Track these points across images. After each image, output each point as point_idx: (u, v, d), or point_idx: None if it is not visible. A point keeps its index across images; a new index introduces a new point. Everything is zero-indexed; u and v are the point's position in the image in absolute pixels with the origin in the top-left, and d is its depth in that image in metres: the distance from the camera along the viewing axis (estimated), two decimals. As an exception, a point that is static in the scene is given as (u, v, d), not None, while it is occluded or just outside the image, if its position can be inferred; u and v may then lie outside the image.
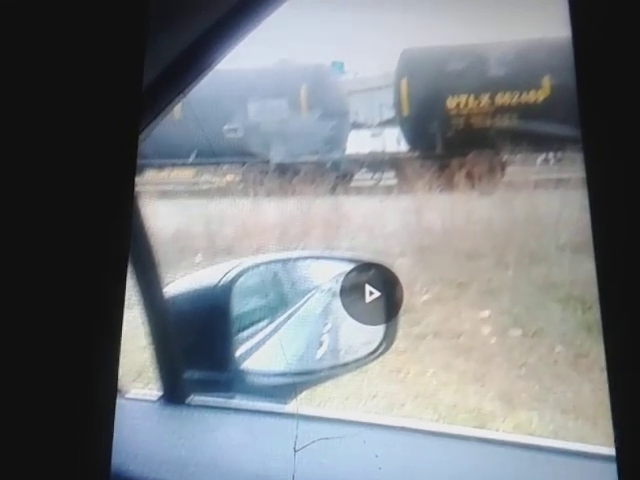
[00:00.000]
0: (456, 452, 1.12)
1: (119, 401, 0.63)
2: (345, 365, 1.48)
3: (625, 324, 0.50)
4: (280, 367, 1.41)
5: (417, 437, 1.17)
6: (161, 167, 7.20)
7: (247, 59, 7.07)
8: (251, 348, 1.40)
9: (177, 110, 1.13)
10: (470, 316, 3.60)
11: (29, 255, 0.56)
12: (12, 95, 0.56)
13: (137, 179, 0.62)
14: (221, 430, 1.24)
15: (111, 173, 0.59)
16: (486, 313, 3.62)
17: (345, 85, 9.31)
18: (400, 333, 1.44)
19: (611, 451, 0.51)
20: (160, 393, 1.29)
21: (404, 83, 8.31)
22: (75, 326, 0.57)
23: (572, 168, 5.50)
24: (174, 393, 1.29)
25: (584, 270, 3.39)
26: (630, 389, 0.50)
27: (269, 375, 1.41)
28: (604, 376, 0.50)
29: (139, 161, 0.61)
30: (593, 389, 2.60)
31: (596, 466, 0.98)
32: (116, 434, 0.60)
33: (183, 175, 7.83)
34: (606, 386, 0.50)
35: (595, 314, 0.51)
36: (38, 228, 0.56)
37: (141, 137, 1.03)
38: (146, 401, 1.31)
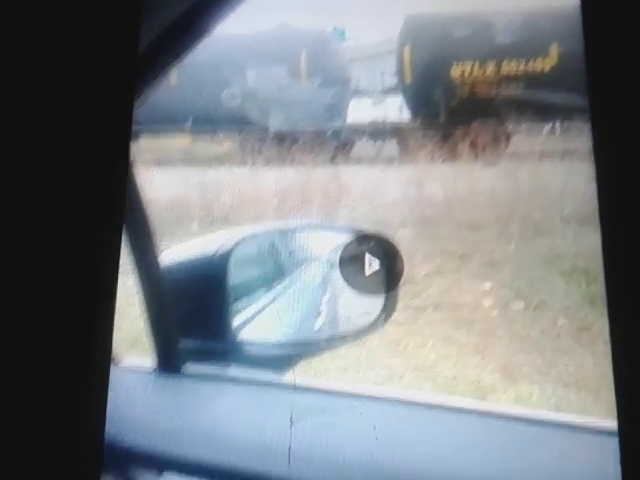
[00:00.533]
0: (455, 425, 1.12)
1: (113, 370, 0.63)
2: (343, 336, 1.48)
3: (629, 297, 0.49)
4: (277, 338, 1.42)
5: (415, 409, 1.18)
6: (157, 134, 7.16)
7: (246, 24, 6.99)
8: (248, 318, 1.41)
9: (173, 76, 1.12)
10: (471, 288, 3.61)
11: (22, 224, 0.56)
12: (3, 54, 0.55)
13: (132, 146, 0.61)
14: (216, 400, 1.25)
15: (106, 140, 0.58)
16: (488, 285, 3.63)
17: (346, 52, 9.23)
18: (400, 305, 1.45)
19: (613, 425, 0.51)
20: (155, 362, 1.30)
21: (407, 50, 8.23)
22: (69, 294, 0.57)
23: (579, 138, 5.48)
24: (169, 362, 1.29)
25: (589, 242, 3.40)
26: (633, 362, 0.50)
27: (266, 345, 1.41)
28: (607, 349, 0.50)
29: (134, 128, 0.60)
30: (595, 362, 2.62)
31: (598, 440, 0.99)
32: (110, 403, 0.60)
33: (179, 142, 7.80)
34: (609, 359, 0.50)
35: (599, 287, 0.50)
36: (30, 195, 0.56)
37: (136, 103, 1.02)
38: (140, 370, 1.32)
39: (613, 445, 0.50)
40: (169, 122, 6.54)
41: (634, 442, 0.50)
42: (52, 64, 0.56)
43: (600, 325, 2.84)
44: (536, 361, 2.84)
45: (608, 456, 0.53)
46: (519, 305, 3.39)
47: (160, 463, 1.10)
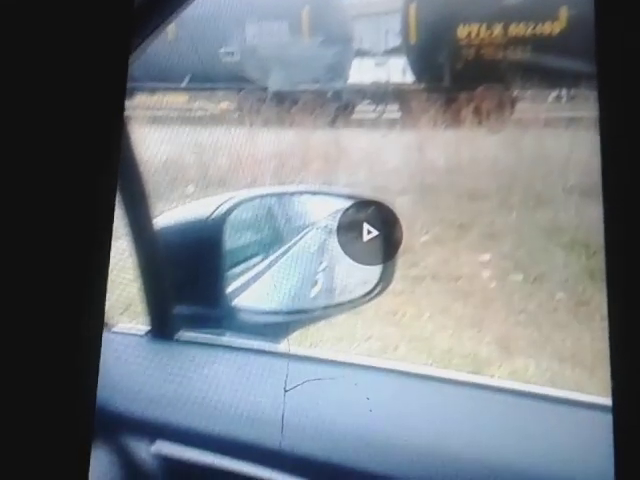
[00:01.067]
0: (449, 397, 1.14)
1: (105, 335, 0.64)
2: (339, 305, 1.49)
3: (629, 272, 0.50)
4: (273, 305, 1.43)
5: (410, 381, 1.19)
6: (152, 91, 7.08)
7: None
8: (243, 284, 1.41)
9: (170, 30, 1.11)
10: (470, 259, 3.61)
11: (15, 185, 0.56)
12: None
13: (127, 103, 0.60)
14: (210, 367, 1.26)
15: (100, 96, 0.58)
16: (486, 257, 3.63)
17: (350, 9, 9.08)
18: (397, 274, 1.45)
19: (607, 401, 0.52)
20: (148, 327, 1.31)
21: (413, 8, 8.10)
22: (61, 257, 0.57)
23: (585, 107, 5.43)
24: (162, 328, 1.30)
25: (591, 215, 3.39)
26: (630, 340, 0.50)
27: (261, 313, 1.42)
28: (604, 325, 0.50)
29: (129, 84, 0.60)
30: (592, 338, 2.64)
31: (592, 415, 1.01)
32: (102, 368, 0.61)
33: (176, 100, 7.71)
34: (606, 335, 0.50)
35: (599, 261, 0.51)
36: (24, 153, 0.56)
37: (132, 58, 1.00)
38: (133, 335, 1.33)
39: (607, 421, 0.51)
40: (165, 79, 6.47)
41: (628, 418, 0.51)
42: (46, 16, 0.55)
43: (598, 300, 2.85)
44: (533, 335, 2.86)
45: (602, 432, 0.54)
46: (518, 277, 3.40)
47: (152, 430, 1.12)
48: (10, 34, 0.55)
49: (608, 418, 0.51)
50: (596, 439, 0.63)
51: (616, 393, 0.51)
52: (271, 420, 1.05)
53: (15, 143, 0.56)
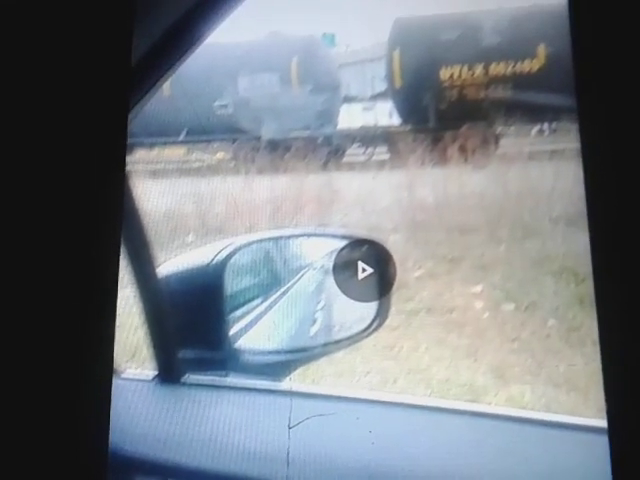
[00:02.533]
0: (449, 426, 1.14)
1: (115, 381, 0.64)
2: (338, 342, 1.49)
3: (618, 296, 0.50)
4: (274, 345, 1.43)
5: (410, 412, 1.19)
6: (151, 146, 7.13)
7: (236, 33, 6.99)
8: (245, 326, 1.42)
9: (166, 87, 1.13)
10: (463, 291, 3.61)
11: (22, 237, 0.56)
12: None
13: (128, 158, 0.61)
14: (216, 408, 1.25)
15: (101, 153, 0.59)
16: (479, 288, 3.63)
17: (336, 57, 9.19)
18: (393, 309, 1.45)
19: (603, 423, 0.52)
20: (155, 372, 1.31)
21: (396, 54, 8.20)
22: (70, 307, 0.58)
23: (566, 139, 5.48)
24: (169, 372, 1.30)
25: (577, 243, 3.40)
26: (622, 362, 0.50)
27: (263, 353, 1.42)
28: (596, 349, 0.50)
29: (129, 140, 0.61)
30: (585, 362, 2.63)
31: (588, 438, 1.00)
32: (112, 413, 0.61)
33: (174, 153, 7.76)
34: (598, 359, 0.50)
35: (588, 287, 0.51)
36: (29, 210, 0.56)
37: (131, 115, 1.02)
38: (141, 380, 1.32)
39: (603, 443, 0.51)
40: (163, 134, 6.52)
41: (623, 440, 0.51)
42: (47, 77, 0.56)
43: (589, 325, 2.84)
44: (527, 362, 2.85)
45: (598, 454, 0.54)
46: (510, 307, 3.40)
47: (162, 471, 1.11)
48: (16, 95, 0.56)
49: (604, 440, 0.51)
50: (593, 461, 0.63)
51: (611, 415, 0.51)
52: (277, 457, 1.04)
53: (24, 200, 0.56)
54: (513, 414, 1.15)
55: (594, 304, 0.51)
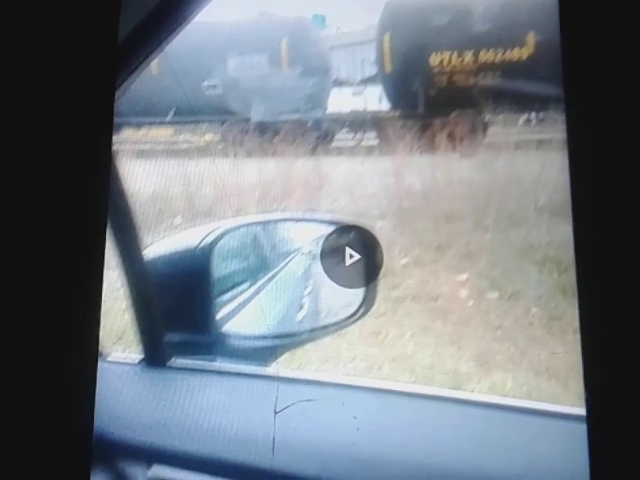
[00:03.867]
0: (432, 413, 1.15)
1: (100, 364, 0.64)
2: (325, 328, 1.50)
3: (599, 287, 0.51)
4: (261, 330, 1.43)
5: (394, 398, 1.20)
6: (139, 125, 7.07)
7: (226, 11, 6.93)
8: (232, 311, 1.42)
9: (154, 65, 1.11)
10: (448, 279, 3.63)
11: (5, 219, 0.56)
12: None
13: (114, 138, 0.61)
14: (202, 392, 1.26)
15: (87, 132, 0.58)
16: (464, 276, 3.66)
17: (327, 40, 9.14)
18: (379, 296, 1.46)
19: (582, 411, 0.52)
20: (141, 356, 1.31)
21: (387, 38, 8.16)
22: (55, 290, 0.57)
23: (554, 129, 5.50)
24: (155, 356, 1.30)
25: (561, 233, 3.43)
26: (602, 351, 0.51)
27: (250, 338, 1.42)
28: (577, 338, 0.51)
29: (116, 119, 0.60)
30: (566, 351, 2.66)
31: (567, 425, 1.02)
32: (98, 397, 0.61)
33: (161, 134, 7.71)
34: (579, 348, 0.51)
35: (570, 277, 0.51)
36: (13, 191, 0.56)
37: (117, 94, 1.01)
38: (127, 364, 1.32)
39: (581, 431, 0.52)
40: (151, 113, 6.47)
41: (601, 428, 0.52)
42: (31, 55, 0.55)
43: (570, 315, 2.87)
44: (509, 350, 2.88)
45: (577, 440, 0.55)
46: (494, 295, 3.42)
47: (148, 455, 1.12)
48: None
49: (583, 428, 0.52)
50: (572, 448, 0.64)
51: (590, 403, 0.52)
52: (262, 441, 1.05)
53: (7, 178, 0.56)
54: (495, 401, 1.16)
55: (576, 294, 0.51)
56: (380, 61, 8.35)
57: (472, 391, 2.63)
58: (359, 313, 1.42)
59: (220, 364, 1.33)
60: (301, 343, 1.52)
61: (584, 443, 0.52)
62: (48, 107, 0.56)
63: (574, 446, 0.57)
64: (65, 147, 0.57)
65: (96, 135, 0.58)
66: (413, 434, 1.09)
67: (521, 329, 3.05)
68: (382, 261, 1.42)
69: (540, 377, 2.62)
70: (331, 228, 1.45)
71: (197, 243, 1.36)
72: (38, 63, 0.56)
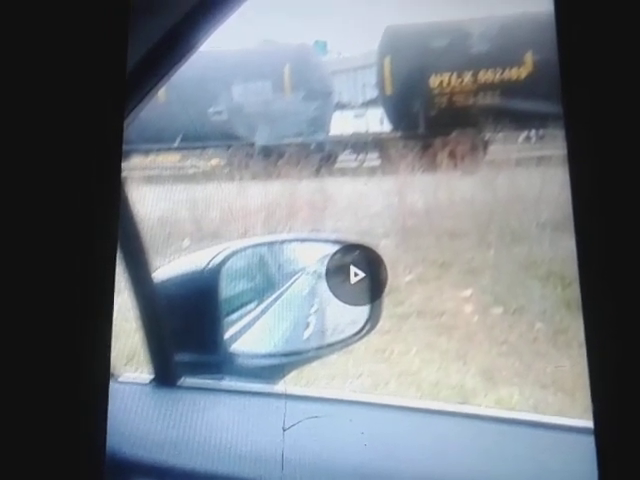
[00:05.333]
0: (439, 428, 1.14)
1: (112, 385, 0.64)
2: (331, 345, 1.49)
3: (603, 300, 0.50)
4: (268, 348, 1.43)
5: (401, 414, 1.19)
6: (147, 152, 7.12)
7: (230, 41, 7.01)
8: (240, 330, 1.42)
9: (162, 94, 1.13)
10: (452, 295, 3.62)
11: (18, 243, 0.56)
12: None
13: (124, 164, 0.61)
14: (212, 411, 1.25)
15: (97, 159, 0.58)
16: (468, 292, 3.65)
17: (328, 65, 9.22)
18: (384, 313, 1.46)
19: (589, 423, 0.52)
20: (151, 376, 1.31)
21: (387, 61, 8.22)
22: (67, 312, 0.57)
23: (553, 145, 5.51)
24: (165, 376, 1.30)
25: (564, 247, 3.42)
26: (607, 364, 0.51)
27: (258, 356, 1.42)
28: (582, 351, 0.51)
29: (125, 147, 0.60)
30: (572, 364, 2.64)
31: (575, 438, 1.01)
32: (110, 417, 0.61)
33: (169, 160, 7.76)
34: (584, 361, 0.50)
35: (574, 291, 0.51)
36: (25, 215, 0.56)
37: (126, 122, 1.02)
38: (138, 384, 1.32)
39: (589, 443, 0.51)
40: (158, 140, 6.51)
41: (609, 439, 0.51)
42: (44, 86, 0.56)
43: (575, 328, 2.86)
44: (515, 364, 2.86)
45: (585, 453, 0.54)
46: (498, 310, 3.41)
47: (159, 473, 1.11)
48: (12, 100, 0.56)
49: (590, 440, 0.52)
50: (580, 460, 0.63)
51: (597, 415, 0.51)
52: (271, 458, 1.04)
53: (21, 205, 0.56)
54: (502, 415, 1.15)
55: (580, 307, 0.51)
56: (381, 84, 8.41)
57: (479, 405, 2.61)
58: (365, 330, 1.41)
59: (229, 383, 1.32)
60: (308, 361, 1.51)
61: (592, 455, 0.51)
62: (60, 136, 0.57)
63: (582, 458, 0.57)
64: (76, 174, 0.57)
65: (106, 162, 0.59)
66: (421, 449, 1.08)
67: (526, 343, 3.03)
68: (387, 279, 1.42)
69: (546, 390, 2.60)
70: (336, 247, 1.45)
71: (205, 265, 1.36)
72: (48, 92, 0.56)
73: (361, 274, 1.37)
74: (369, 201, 5.23)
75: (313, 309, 1.58)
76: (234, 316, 1.43)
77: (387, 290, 1.44)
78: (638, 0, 0.48)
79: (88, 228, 0.58)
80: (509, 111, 7.15)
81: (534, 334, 3.12)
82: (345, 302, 1.38)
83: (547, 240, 3.92)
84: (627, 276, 0.49)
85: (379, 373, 2.90)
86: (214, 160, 7.46)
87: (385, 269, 1.43)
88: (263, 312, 1.51)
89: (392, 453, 1.06)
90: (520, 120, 7.06)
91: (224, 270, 1.37)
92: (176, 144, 6.99)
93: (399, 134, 7.96)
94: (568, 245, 0.50)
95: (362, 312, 1.41)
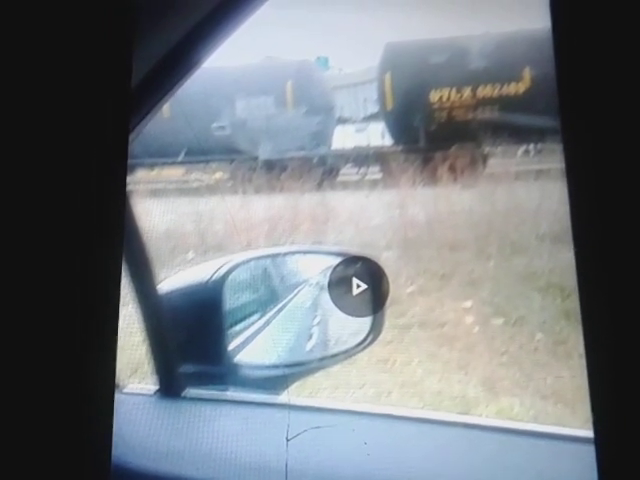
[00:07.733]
0: (441, 438, 1.14)
1: (117, 396, 0.64)
2: (334, 356, 1.49)
3: (603, 311, 0.50)
4: (272, 359, 1.42)
5: (404, 424, 1.19)
6: (152, 166, 7.16)
7: (233, 57, 7.05)
8: (243, 342, 1.41)
9: (166, 109, 1.13)
10: (453, 306, 3.62)
11: (24, 255, 0.56)
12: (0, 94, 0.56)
13: (129, 178, 0.61)
14: (216, 421, 1.25)
15: (103, 173, 0.58)
16: (469, 303, 3.65)
17: (330, 80, 9.27)
18: (386, 324, 1.46)
19: (589, 434, 0.51)
20: (156, 387, 1.30)
21: (388, 77, 8.26)
22: (72, 324, 0.57)
23: (551, 159, 5.52)
24: (170, 387, 1.30)
25: (563, 259, 3.42)
26: (607, 374, 0.50)
27: (261, 367, 1.42)
28: (582, 362, 0.50)
29: (130, 161, 0.61)
30: (572, 375, 2.64)
31: (575, 448, 1.00)
32: (115, 428, 0.61)
33: (173, 174, 7.79)
34: (584, 372, 0.50)
35: (574, 302, 0.51)
36: (31, 228, 0.56)
37: (131, 136, 1.03)
38: (143, 395, 1.32)
39: (590, 452, 0.51)
40: (163, 154, 6.54)
41: (609, 449, 0.51)
42: (49, 100, 0.56)
43: (575, 339, 2.85)
44: (516, 375, 2.86)
45: (585, 463, 0.53)
46: (499, 321, 3.41)
47: None
48: (17, 114, 0.56)
49: (591, 449, 0.51)
50: (580, 470, 0.63)
51: (597, 425, 0.51)
52: (275, 468, 1.04)
53: (25, 219, 0.56)
54: (503, 425, 1.15)
55: (580, 318, 0.51)
56: (382, 99, 8.45)
57: (480, 416, 2.60)
58: (367, 341, 1.41)
59: (233, 393, 1.32)
60: (311, 371, 1.51)
61: (593, 465, 0.51)
62: (66, 151, 0.57)
63: (583, 468, 0.56)
64: (82, 188, 0.57)
65: (111, 176, 0.59)
66: (423, 459, 1.08)
67: (526, 354, 3.03)
68: (388, 290, 1.42)
69: (547, 401, 2.59)
70: (338, 259, 1.45)
71: (209, 277, 1.36)
72: (54, 107, 0.57)
73: (363, 286, 1.37)
74: (371, 214, 5.24)
75: (316, 320, 1.58)
76: (238, 327, 1.43)
77: (389, 301, 1.44)
78: (634, 15, 0.48)
79: (94, 241, 0.58)
80: (508, 125, 7.17)
81: (534, 345, 3.12)
82: (347, 313, 1.38)
83: (546, 252, 3.92)
84: (625, 287, 0.49)
85: (382, 383, 2.89)
86: (218, 174, 7.48)
87: (387, 281, 1.43)
88: (266, 323, 1.51)
89: (395, 463, 1.05)
90: (519, 134, 7.08)
91: (228, 282, 1.37)
92: (180, 158, 7.01)
93: (400, 148, 7.99)
94: (567, 257, 0.51)
95: (364, 323, 1.41)
